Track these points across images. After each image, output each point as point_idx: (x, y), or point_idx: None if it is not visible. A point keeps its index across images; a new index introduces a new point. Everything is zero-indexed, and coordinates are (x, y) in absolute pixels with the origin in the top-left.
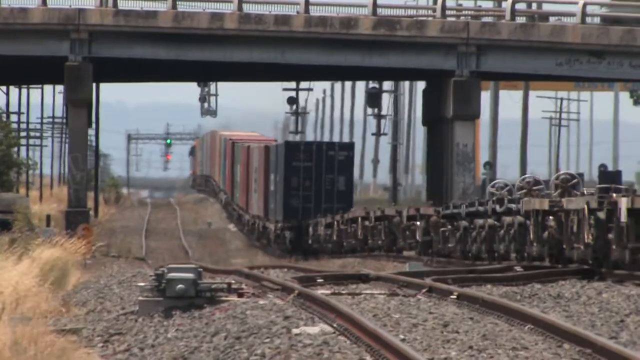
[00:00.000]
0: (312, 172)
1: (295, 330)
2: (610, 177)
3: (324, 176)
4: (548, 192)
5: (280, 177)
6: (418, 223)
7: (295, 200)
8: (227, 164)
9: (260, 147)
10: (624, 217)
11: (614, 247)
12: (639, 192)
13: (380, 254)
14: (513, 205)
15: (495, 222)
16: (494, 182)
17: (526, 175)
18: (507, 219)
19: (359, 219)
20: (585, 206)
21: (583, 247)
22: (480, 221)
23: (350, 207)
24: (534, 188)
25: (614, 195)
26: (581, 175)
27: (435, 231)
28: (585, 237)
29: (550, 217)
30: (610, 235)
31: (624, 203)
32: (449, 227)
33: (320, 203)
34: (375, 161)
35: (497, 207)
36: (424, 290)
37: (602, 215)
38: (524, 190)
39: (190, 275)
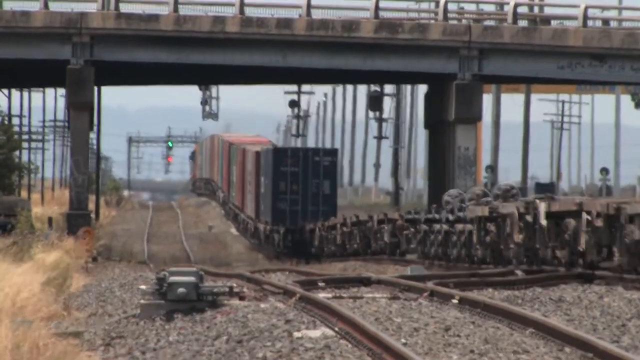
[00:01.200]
0: (299, 177)
1: (296, 334)
2: (544, 188)
3: (310, 180)
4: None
5: (269, 181)
6: (386, 227)
7: (283, 204)
8: (224, 164)
9: (253, 150)
10: (542, 219)
11: (537, 245)
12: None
13: (380, 257)
14: (461, 214)
15: (450, 229)
16: (448, 191)
17: (475, 187)
18: (459, 226)
19: (338, 226)
20: (515, 211)
21: (515, 247)
22: (437, 226)
23: (335, 209)
24: (483, 199)
25: (536, 200)
26: (523, 188)
27: (401, 234)
28: (515, 238)
29: (491, 223)
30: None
31: (542, 207)
32: (412, 230)
33: (307, 206)
34: (377, 165)
35: (450, 216)
36: (425, 294)
37: (529, 218)
38: (473, 201)
39: (191, 279)
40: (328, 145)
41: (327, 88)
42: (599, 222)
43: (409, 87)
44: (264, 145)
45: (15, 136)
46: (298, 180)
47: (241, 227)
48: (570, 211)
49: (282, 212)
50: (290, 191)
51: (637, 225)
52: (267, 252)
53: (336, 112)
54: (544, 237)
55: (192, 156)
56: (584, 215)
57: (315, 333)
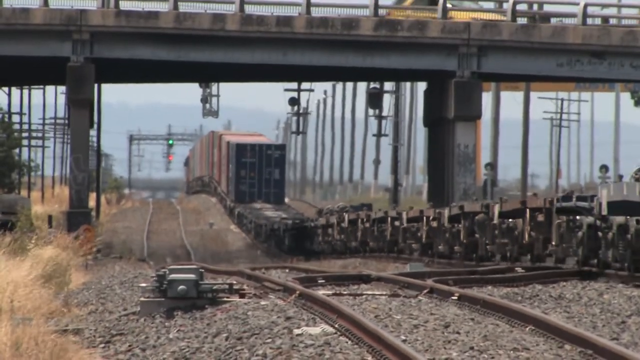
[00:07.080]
0: (255, 166)
1: (296, 331)
2: (365, 205)
3: (264, 169)
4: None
5: (234, 168)
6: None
7: (243, 186)
8: (210, 148)
9: (226, 141)
10: (346, 224)
11: (344, 239)
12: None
13: (380, 254)
14: (323, 220)
15: (323, 231)
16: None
17: (338, 204)
18: (333, 228)
19: (267, 229)
20: (335, 221)
21: (336, 241)
22: (317, 230)
23: (283, 192)
24: (343, 211)
25: (344, 213)
26: (368, 205)
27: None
28: (336, 235)
29: (329, 228)
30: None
31: (346, 217)
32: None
33: (262, 188)
34: (377, 162)
35: (324, 222)
36: (425, 291)
37: (344, 224)
38: (335, 214)
39: (191, 276)
40: (328, 142)
41: (327, 85)
42: (367, 225)
43: (408, 84)
44: (240, 136)
45: (15, 134)
46: (255, 169)
47: (218, 199)
48: (355, 220)
49: (242, 192)
50: (249, 177)
51: (388, 225)
52: (268, 249)
53: (336, 110)
54: (347, 235)
55: (187, 162)
56: (364, 220)
57: (315, 330)
